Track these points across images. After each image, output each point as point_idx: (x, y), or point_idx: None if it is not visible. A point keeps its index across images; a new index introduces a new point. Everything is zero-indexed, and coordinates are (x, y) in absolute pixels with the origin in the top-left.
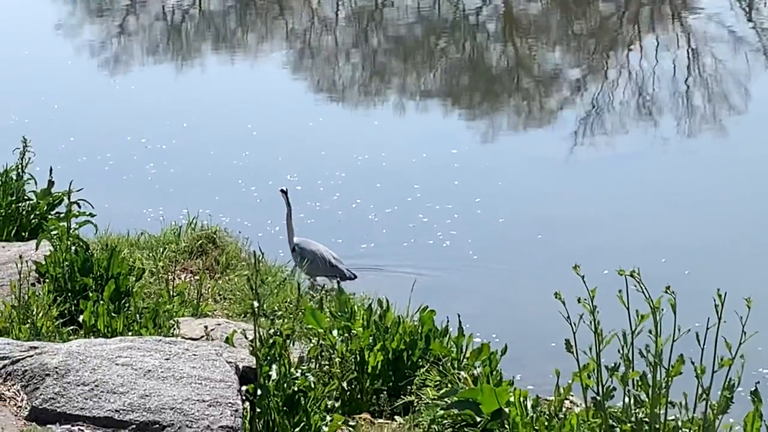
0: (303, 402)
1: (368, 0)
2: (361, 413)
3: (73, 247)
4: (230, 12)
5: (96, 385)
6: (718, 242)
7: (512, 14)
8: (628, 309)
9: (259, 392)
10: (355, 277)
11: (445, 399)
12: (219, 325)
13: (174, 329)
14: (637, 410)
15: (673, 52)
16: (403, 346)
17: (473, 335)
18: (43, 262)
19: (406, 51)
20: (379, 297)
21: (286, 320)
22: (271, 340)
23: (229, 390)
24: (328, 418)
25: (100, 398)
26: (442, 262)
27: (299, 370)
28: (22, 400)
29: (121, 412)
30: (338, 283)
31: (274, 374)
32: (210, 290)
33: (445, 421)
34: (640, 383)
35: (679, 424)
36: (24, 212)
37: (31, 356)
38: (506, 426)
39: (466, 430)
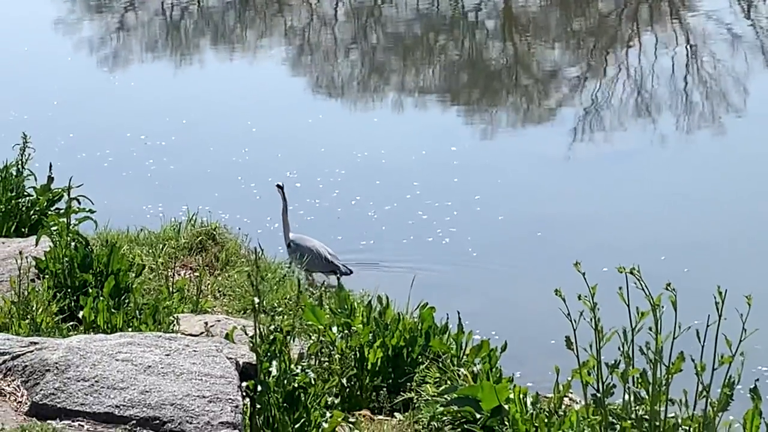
0: (303, 398)
1: None
2: (361, 410)
3: (73, 243)
4: (229, 9)
5: (96, 381)
6: (718, 240)
7: (512, 11)
8: (628, 306)
9: (259, 388)
10: (351, 272)
11: (445, 396)
12: (219, 321)
13: (174, 325)
14: (637, 407)
15: (672, 49)
16: (403, 342)
17: (473, 332)
18: (43, 258)
19: (406, 48)
20: (378, 294)
21: (286, 317)
22: (271, 337)
23: (229, 386)
24: (328, 414)
25: (100, 394)
26: (441, 259)
27: (299, 367)
28: (22, 396)
29: (121, 407)
30: (338, 279)
31: (274, 370)
32: (209, 287)
33: (445, 418)
34: (640, 380)
35: (679, 421)
36: (24, 208)
37: (31, 352)
38: (506, 423)
39: (465, 426)
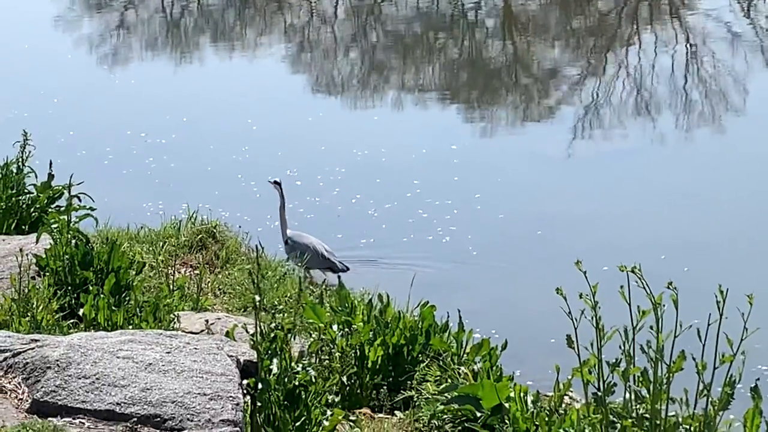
0: (304, 396)
1: None
2: (361, 408)
3: (74, 241)
4: (229, 6)
5: (97, 378)
6: (718, 239)
7: (511, 10)
8: (629, 305)
9: (260, 386)
10: (348, 269)
11: (446, 394)
12: (219, 319)
13: (174, 323)
14: (638, 406)
15: (671, 48)
16: (404, 341)
17: (473, 331)
18: (44, 256)
19: (406, 46)
20: (379, 292)
21: (287, 315)
22: (272, 335)
23: (230, 384)
24: (329, 412)
25: (101, 391)
26: (441, 257)
27: (300, 365)
28: (23, 393)
29: (122, 405)
30: (339, 278)
31: (275, 368)
32: (210, 284)
33: (445, 416)
34: (641, 379)
35: (680, 420)
36: (24, 205)
37: (32, 349)
38: (506, 421)
39: (466, 425)
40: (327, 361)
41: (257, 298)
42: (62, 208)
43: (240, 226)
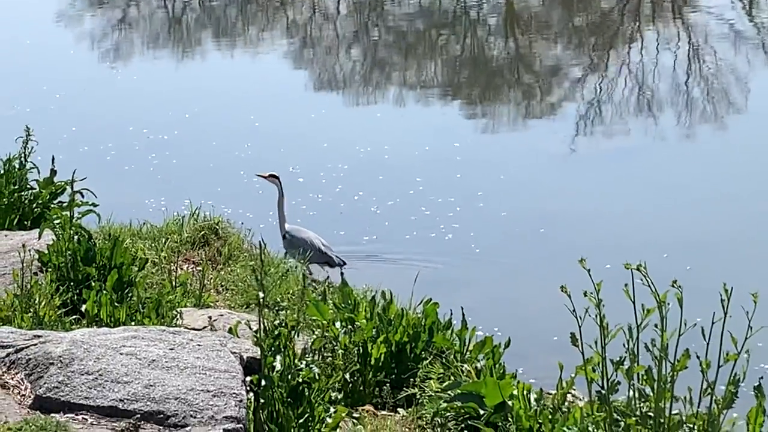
0: (307, 393)
1: None
2: (364, 405)
3: (76, 237)
4: (231, 2)
5: (100, 374)
6: (721, 238)
7: (513, 7)
8: (633, 303)
9: (263, 383)
10: (345, 263)
11: (449, 391)
12: (222, 315)
13: (177, 320)
14: (642, 404)
15: (674, 45)
16: (406, 338)
17: (476, 328)
18: (46, 251)
19: (408, 44)
20: (382, 289)
21: (289, 311)
22: (276, 331)
23: (233, 380)
24: (332, 409)
25: (104, 387)
26: (444, 255)
27: (304, 362)
28: (25, 389)
29: (125, 401)
30: (342, 274)
31: (278, 365)
32: (212, 281)
33: (449, 414)
34: (645, 377)
35: (684, 418)
36: (26, 201)
37: (35, 345)
38: (510, 419)
39: (469, 422)
40: (330, 359)
41: (261, 295)
42: (65, 204)
43: (242, 223)
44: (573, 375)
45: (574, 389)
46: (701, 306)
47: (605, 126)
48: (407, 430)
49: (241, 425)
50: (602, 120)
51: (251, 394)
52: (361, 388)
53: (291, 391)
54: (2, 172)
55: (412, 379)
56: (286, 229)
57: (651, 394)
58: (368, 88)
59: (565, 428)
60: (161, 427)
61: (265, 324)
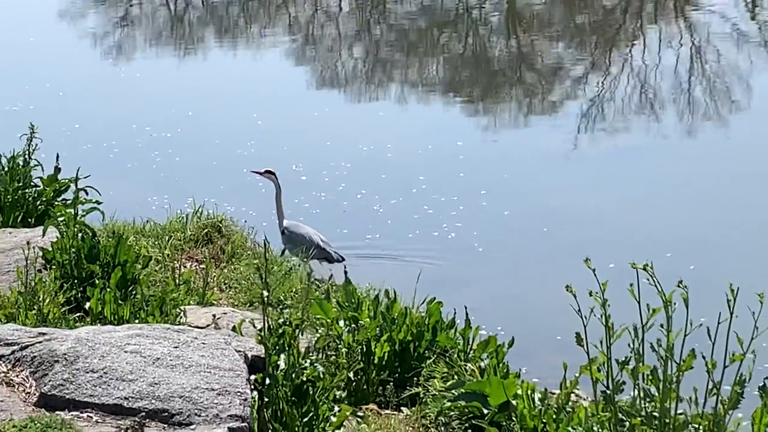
0: (311, 392)
1: None
2: (367, 404)
3: (80, 234)
4: (234, 1)
5: (105, 372)
6: (725, 237)
7: (515, 6)
8: (639, 303)
9: (267, 381)
10: (343, 259)
11: (453, 391)
12: (225, 314)
13: (180, 317)
14: (647, 404)
15: (676, 44)
16: (410, 337)
17: (479, 327)
18: (50, 249)
19: (411, 42)
20: (385, 288)
21: (293, 310)
22: (280, 330)
23: (238, 379)
24: (336, 408)
25: (109, 385)
26: (446, 253)
27: (308, 360)
28: (30, 387)
29: (130, 399)
30: (345, 273)
31: (282, 364)
32: (215, 279)
33: (452, 413)
34: (650, 377)
35: (689, 418)
36: (30, 198)
37: (40, 342)
38: (514, 418)
39: (473, 422)
40: (333, 357)
41: (265, 293)
42: (69, 202)
43: (245, 221)
44: (577, 375)
45: (578, 389)
46: (705, 305)
47: (608, 124)
48: (411, 429)
49: (245, 424)
50: (605, 118)
51: (255, 392)
52: (365, 386)
53: (295, 390)
54: (6, 169)
55: (415, 378)
56: (284, 225)
57: (656, 394)
58: (370, 86)
59: (569, 428)
60: (166, 426)
61: (270, 322)
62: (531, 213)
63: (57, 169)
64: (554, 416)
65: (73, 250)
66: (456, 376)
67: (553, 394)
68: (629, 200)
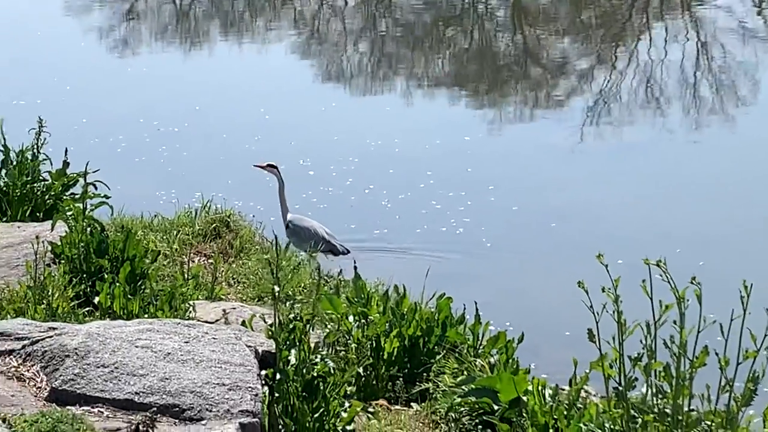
0: (322, 387)
1: None
2: (377, 399)
3: (89, 229)
4: None
5: (116, 367)
6: (733, 233)
7: (521, 1)
8: (651, 299)
9: (278, 377)
10: (348, 251)
11: (463, 386)
12: (234, 308)
13: (190, 312)
14: (660, 401)
15: (684, 38)
16: (420, 332)
17: (489, 323)
18: (59, 243)
19: (418, 37)
20: (395, 283)
21: (304, 305)
22: (291, 325)
23: (249, 374)
24: (347, 404)
25: (119, 380)
26: (454, 248)
27: (318, 356)
28: (41, 381)
29: (140, 394)
30: (355, 268)
31: (293, 359)
32: (224, 274)
33: (463, 409)
34: (663, 374)
35: (702, 415)
36: (39, 192)
37: (51, 337)
38: (524, 415)
39: (483, 418)
40: (343, 353)
41: (276, 288)
42: (77, 196)
43: (254, 216)
44: (587, 371)
45: (586, 385)
46: (715, 301)
47: (616, 120)
48: (421, 424)
49: (256, 419)
50: (611, 113)
51: (266, 387)
52: (374, 382)
53: (306, 385)
54: (15, 163)
55: (425, 374)
56: (288, 219)
57: (669, 390)
58: (377, 80)
59: (581, 424)
60: (177, 421)
61: (281, 317)
62: (539, 208)
63: (65, 164)
64: (565, 412)
65: (82, 244)
66: (466, 372)
67: (563, 390)
68: (637, 195)
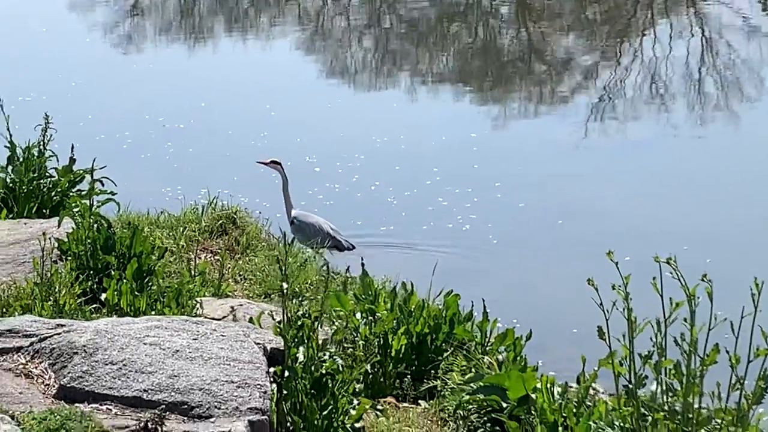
0: (330, 385)
1: None
2: (385, 397)
3: (95, 225)
4: None
5: (124, 365)
6: (739, 230)
7: None
8: (661, 296)
9: (286, 374)
10: (354, 247)
11: (471, 384)
12: (241, 305)
13: (197, 309)
14: (670, 399)
15: (689, 35)
16: (427, 330)
17: (497, 320)
18: (66, 240)
19: (421, 33)
20: (402, 280)
21: (312, 302)
22: (299, 322)
23: (257, 371)
24: (356, 401)
25: (128, 377)
26: (461, 245)
27: (327, 353)
28: (49, 378)
29: (149, 392)
30: (362, 265)
31: (301, 356)
32: (231, 270)
33: (471, 407)
34: (673, 372)
35: (712, 413)
36: (45, 189)
37: (59, 334)
38: (533, 412)
39: (492, 415)
40: (350, 350)
41: (284, 285)
42: (84, 192)
43: (260, 212)
44: (596, 368)
45: (595, 382)
46: (723, 299)
47: (620, 116)
48: (429, 422)
49: (265, 417)
50: (617, 110)
51: (274, 385)
52: (382, 379)
53: (314, 383)
54: (21, 159)
55: (433, 371)
56: (293, 215)
57: (679, 388)
58: (382, 77)
59: (590, 422)
60: (186, 418)
61: (289, 314)
62: (545, 205)
63: (72, 160)
64: (574, 410)
65: (88, 241)
66: (474, 370)
67: (571, 387)
68: (643, 192)
